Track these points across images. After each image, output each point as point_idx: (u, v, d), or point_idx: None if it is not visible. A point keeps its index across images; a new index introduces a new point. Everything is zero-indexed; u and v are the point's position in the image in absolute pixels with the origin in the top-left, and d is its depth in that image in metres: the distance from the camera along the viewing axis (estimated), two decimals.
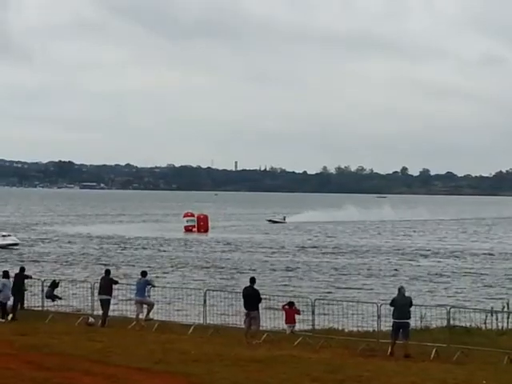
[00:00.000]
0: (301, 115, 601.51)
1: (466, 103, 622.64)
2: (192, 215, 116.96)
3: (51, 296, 33.58)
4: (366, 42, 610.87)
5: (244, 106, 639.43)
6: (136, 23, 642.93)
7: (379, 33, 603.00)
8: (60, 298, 33.96)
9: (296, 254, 78.58)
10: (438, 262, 72.78)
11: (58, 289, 34.09)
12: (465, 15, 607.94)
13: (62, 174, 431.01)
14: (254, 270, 61.69)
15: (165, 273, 60.68)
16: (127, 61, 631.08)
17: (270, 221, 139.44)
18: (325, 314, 30.93)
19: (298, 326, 30.42)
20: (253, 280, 28.49)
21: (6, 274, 31.95)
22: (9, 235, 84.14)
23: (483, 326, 30.81)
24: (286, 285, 54.09)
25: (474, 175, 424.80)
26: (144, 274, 31.66)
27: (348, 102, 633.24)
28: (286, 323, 29.71)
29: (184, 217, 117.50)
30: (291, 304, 29.76)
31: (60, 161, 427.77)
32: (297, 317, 29.97)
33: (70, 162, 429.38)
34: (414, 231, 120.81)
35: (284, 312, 29.95)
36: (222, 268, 65.09)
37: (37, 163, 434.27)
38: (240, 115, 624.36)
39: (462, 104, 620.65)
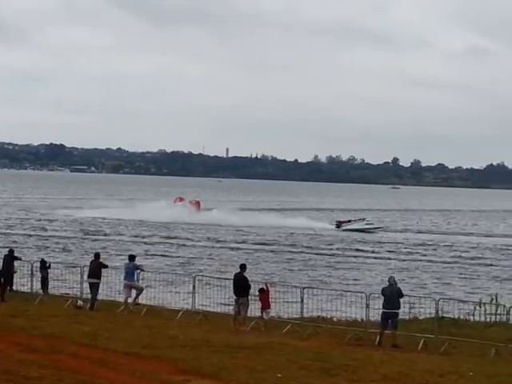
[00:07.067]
0: (291, 104, 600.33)
1: (456, 95, 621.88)
2: (182, 200, 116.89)
3: (46, 279, 33.61)
4: (353, 32, 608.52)
5: (236, 93, 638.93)
6: (124, 9, 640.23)
7: (367, 23, 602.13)
8: (47, 289, 33.92)
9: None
10: (428, 252, 72.96)
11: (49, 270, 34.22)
12: (451, 7, 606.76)
13: (52, 156, 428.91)
14: (246, 258, 61.53)
15: (153, 257, 60.62)
16: (118, 46, 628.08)
17: None
18: (313, 303, 30.91)
19: (286, 314, 30.45)
20: (243, 266, 28.48)
21: None
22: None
23: (471, 318, 30.88)
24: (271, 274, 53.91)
25: (465, 167, 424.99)
26: (132, 258, 31.60)
27: (337, 92, 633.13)
28: (263, 310, 28.07)
29: (174, 201, 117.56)
30: (262, 290, 28.24)
31: (51, 143, 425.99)
32: (285, 305, 29.71)
33: (61, 144, 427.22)
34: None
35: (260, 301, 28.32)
36: (212, 255, 65.14)
37: (28, 145, 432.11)
38: (232, 102, 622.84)
39: (453, 95, 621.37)
